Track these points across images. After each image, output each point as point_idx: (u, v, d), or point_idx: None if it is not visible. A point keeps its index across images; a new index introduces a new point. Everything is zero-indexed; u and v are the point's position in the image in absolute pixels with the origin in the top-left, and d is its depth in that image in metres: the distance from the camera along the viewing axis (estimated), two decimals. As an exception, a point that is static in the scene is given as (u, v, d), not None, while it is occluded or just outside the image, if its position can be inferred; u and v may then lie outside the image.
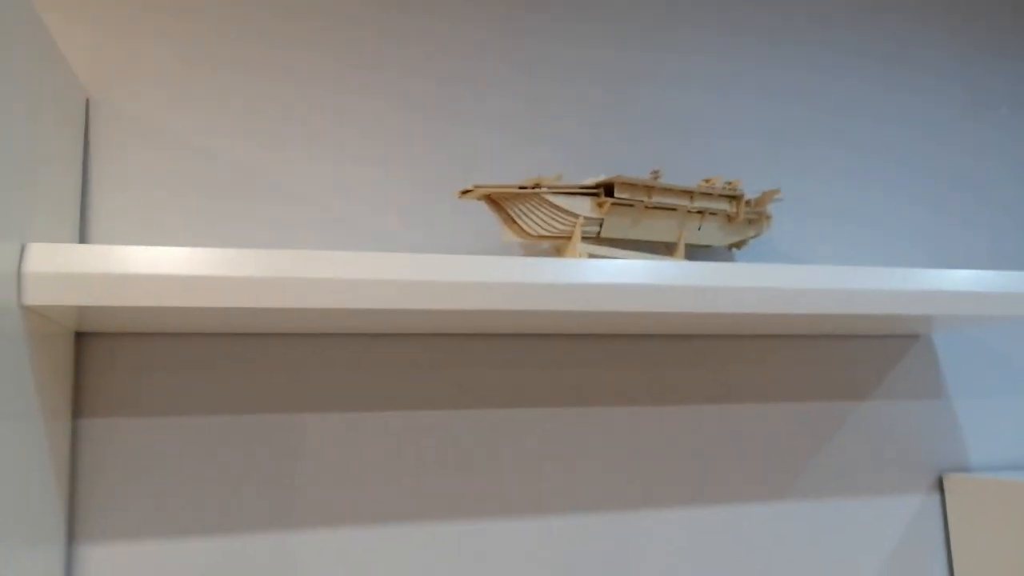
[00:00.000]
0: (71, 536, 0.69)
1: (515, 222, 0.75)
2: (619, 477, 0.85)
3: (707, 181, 0.84)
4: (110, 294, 0.56)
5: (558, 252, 0.79)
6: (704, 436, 0.89)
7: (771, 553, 0.88)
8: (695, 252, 0.92)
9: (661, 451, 0.87)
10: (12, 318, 0.55)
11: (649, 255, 0.79)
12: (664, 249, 0.86)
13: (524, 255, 0.84)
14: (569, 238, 0.76)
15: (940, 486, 0.95)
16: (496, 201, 0.74)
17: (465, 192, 0.73)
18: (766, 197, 0.85)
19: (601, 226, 0.78)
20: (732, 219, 0.84)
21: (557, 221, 0.75)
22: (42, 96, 0.62)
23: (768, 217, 0.87)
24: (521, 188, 0.74)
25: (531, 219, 0.75)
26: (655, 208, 0.79)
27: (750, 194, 0.96)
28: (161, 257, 0.57)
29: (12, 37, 0.55)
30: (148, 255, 0.57)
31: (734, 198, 0.83)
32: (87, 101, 0.77)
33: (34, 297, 0.55)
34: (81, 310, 0.59)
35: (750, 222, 0.86)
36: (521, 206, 0.74)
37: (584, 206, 0.76)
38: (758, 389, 0.92)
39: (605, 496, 0.84)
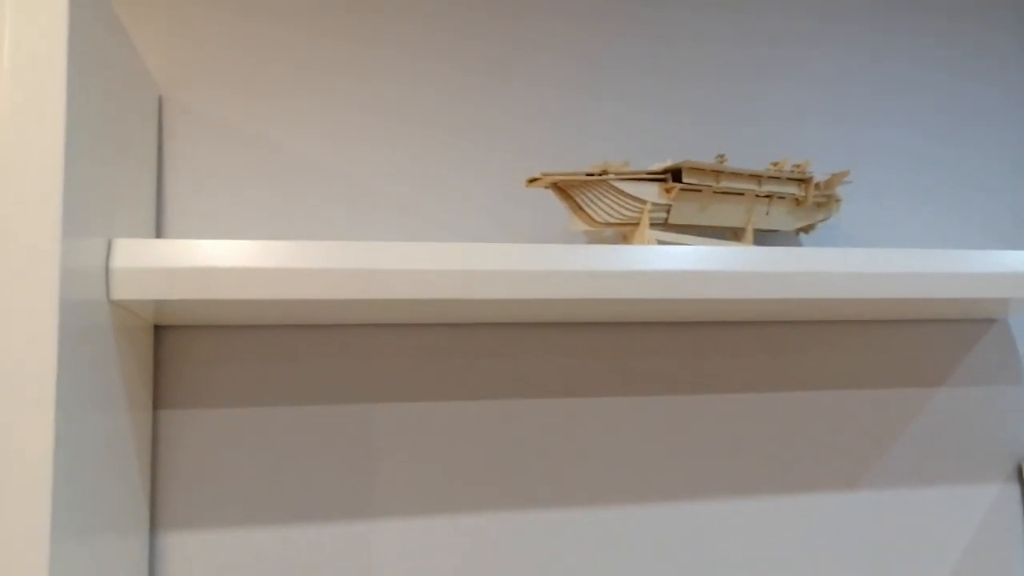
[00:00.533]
0: (153, 525, 0.71)
1: (583, 210, 0.74)
2: (689, 466, 0.85)
3: (775, 164, 0.82)
4: (194, 288, 0.57)
5: (625, 239, 0.78)
6: (777, 424, 0.87)
7: (845, 543, 0.87)
8: (762, 237, 0.91)
9: (733, 440, 0.86)
10: (101, 312, 0.56)
11: (717, 241, 0.78)
12: (731, 234, 0.85)
13: (589, 243, 0.83)
14: (636, 225, 0.76)
15: (1019, 474, 0.92)
16: (563, 189, 0.74)
17: (533, 180, 0.73)
18: (835, 179, 0.83)
19: (669, 212, 0.77)
20: (800, 203, 0.82)
21: (624, 208, 0.75)
22: (121, 94, 0.63)
23: (837, 200, 0.85)
24: (588, 175, 0.73)
25: (598, 206, 0.74)
26: (723, 193, 0.78)
27: (818, 177, 0.94)
28: (244, 251, 0.58)
29: (95, 37, 0.56)
30: (231, 249, 0.58)
31: (802, 181, 0.82)
32: (159, 98, 0.78)
33: (121, 292, 0.56)
34: (160, 303, 0.60)
35: (819, 205, 0.84)
36: (588, 193, 0.74)
37: (651, 192, 0.75)
38: (829, 376, 0.90)
39: (674, 485, 0.84)
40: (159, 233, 0.76)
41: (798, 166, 0.82)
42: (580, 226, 0.75)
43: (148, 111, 0.73)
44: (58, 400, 0.47)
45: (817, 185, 0.83)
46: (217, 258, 0.57)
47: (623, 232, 0.78)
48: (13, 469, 0.46)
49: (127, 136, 0.65)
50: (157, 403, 0.73)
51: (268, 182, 0.80)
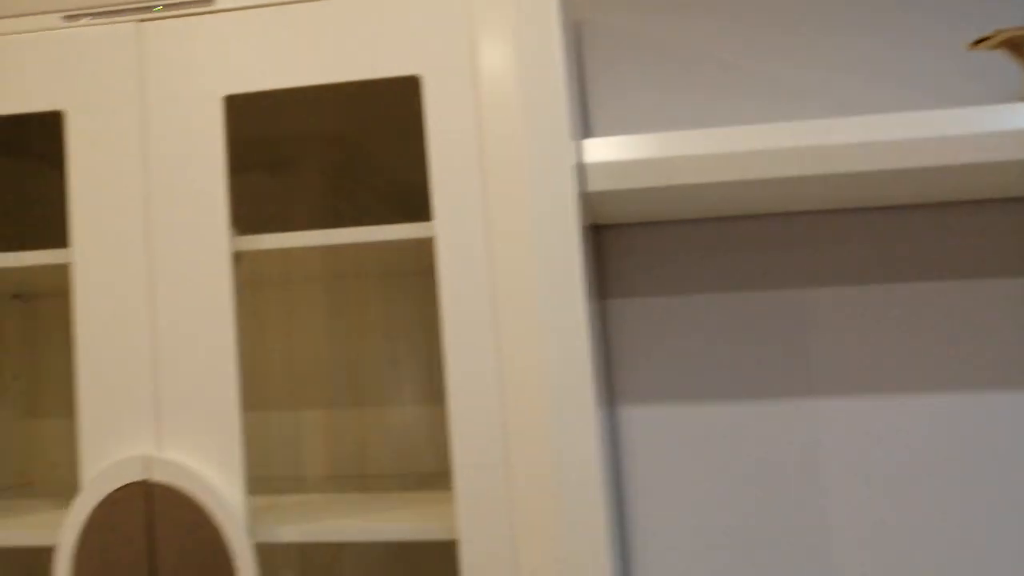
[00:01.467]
0: (612, 400, 0.80)
1: (1042, 66, 0.68)
2: None
3: None
4: (662, 175, 0.61)
5: (1091, 96, 0.70)
6: None
7: None
8: None
9: None
10: (582, 205, 0.63)
11: None
12: None
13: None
14: (1109, 77, 0.67)
15: None
16: (1019, 45, 0.68)
17: (980, 41, 0.68)
18: None
19: None
20: None
21: (1094, 59, 0.66)
22: (565, 22, 0.70)
23: None
24: (1048, 27, 0.66)
25: (1062, 61, 0.67)
26: None
27: None
28: (703, 140, 0.61)
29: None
30: (692, 139, 0.61)
31: None
32: (576, 22, 0.85)
33: (598, 183, 0.63)
34: (610, 195, 0.65)
35: None
36: (1048, 48, 0.67)
37: None
38: None
39: None
40: (588, 135, 0.83)
41: None
42: (1039, 85, 0.69)
43: (573, 30, 0.80)
44: (584, 286, 0.55)
45: None
46: (680, 146, 0.61)
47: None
48: (567, 351, 0.56)
49: (569, 55, 0.71)
50: (605, 293, 0.81)
51: (679, 86, 0.83)
